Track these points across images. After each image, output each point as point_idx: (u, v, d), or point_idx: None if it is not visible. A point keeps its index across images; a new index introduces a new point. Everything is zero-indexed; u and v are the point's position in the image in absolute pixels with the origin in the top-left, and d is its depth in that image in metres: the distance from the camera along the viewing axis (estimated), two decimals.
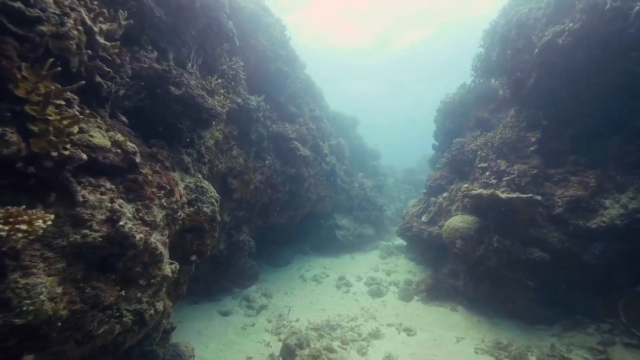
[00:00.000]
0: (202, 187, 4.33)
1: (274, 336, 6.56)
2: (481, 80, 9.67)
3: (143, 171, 3.10)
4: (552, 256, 5.84)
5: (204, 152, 4.82)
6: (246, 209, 8.40)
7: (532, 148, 6.35)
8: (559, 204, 5.77)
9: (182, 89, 3.86)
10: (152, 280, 3.04)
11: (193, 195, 4.13)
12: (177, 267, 3.46)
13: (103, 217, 2.50)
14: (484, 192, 5.77)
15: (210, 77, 4.40)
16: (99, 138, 2.55)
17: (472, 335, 6.38)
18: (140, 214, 2.94)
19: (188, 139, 4.65)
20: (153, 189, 3.23)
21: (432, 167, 12.45)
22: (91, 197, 2.50)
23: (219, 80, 4.48)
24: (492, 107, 9.42)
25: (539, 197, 5.51)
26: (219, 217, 4.46)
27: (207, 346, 6.17)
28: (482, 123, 9.29)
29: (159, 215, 3.21)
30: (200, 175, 4.56)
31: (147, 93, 3.98)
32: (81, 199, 2.40)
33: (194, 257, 4.26)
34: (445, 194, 8.51)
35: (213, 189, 4.53)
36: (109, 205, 2.56)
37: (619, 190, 5.70)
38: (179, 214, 3.55)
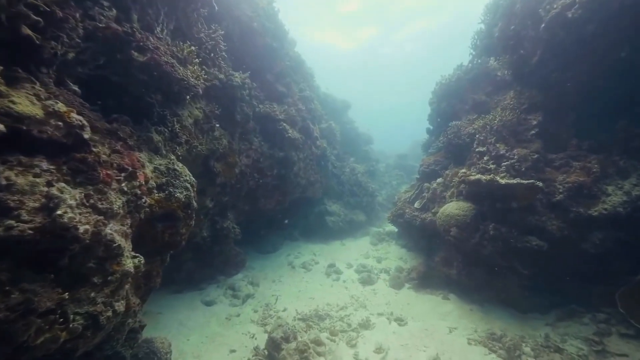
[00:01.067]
0: (175, 169, 3.84)
1: (259, 327, 6.25)
2: (479, 61, 9.22)
3: (95, 150, 2.60)
4: (549, 245, 5.60)
5: (178, 130, 4.30)
6: (231, 194, 7.93)
7: (533, 132, 6.02)
8: (560, 191, 5.49)
9: (147, 55, 3.31)
10: (109, 278, 2.60)
11: (164, 179, 3.65)
12: (142, 261, 3.02)
13: (36, 204, 2.03)
14: (483, 177, 5.43)
15: (182, 44, 3.83)
16: (26, 105, 2.04)
17: (464, 325, 6.19)
18: (91, 201, 2.47)
19: (159, 115, 4.12)
20: (110, 171, 2.74)
21: (426, 152, 12.10)
22: (20, 180, 2.01)
23: (193, 48, 3.92)
24: (489, 89, 9.02)
25: (540, 184, 5.21)
26: (195, 204, 4.00)
27: (189, 338, 5.82)
28: (479, 106, 8.91)
29: (117, 201, 2.74)
30: (173, 157, 4.06)
31: (107, 60, 3.41)
32: (4, 182, 1.92)
33: (166, 249, 3.81)
34: (439, 180, 8.19)
35: (188, 172, 4.05)
36: (45, 189, 2.08)
37: (622, 177, 5.44)
38: (143, 200, 3.08)
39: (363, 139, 18.63)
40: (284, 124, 8.67)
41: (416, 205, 8.89)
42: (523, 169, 5.58)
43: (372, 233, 12.86)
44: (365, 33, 44.23)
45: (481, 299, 6.96)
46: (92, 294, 2.52)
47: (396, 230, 11.59)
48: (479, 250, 6.40)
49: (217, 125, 6.77)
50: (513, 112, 6.27)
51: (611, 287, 5.32)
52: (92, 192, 2.51)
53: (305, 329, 6.07)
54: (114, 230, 2.64)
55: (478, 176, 5.57)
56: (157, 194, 3.51)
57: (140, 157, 3.38)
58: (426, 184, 8.68)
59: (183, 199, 3.77)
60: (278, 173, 9.22)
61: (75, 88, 3.06)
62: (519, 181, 5.15)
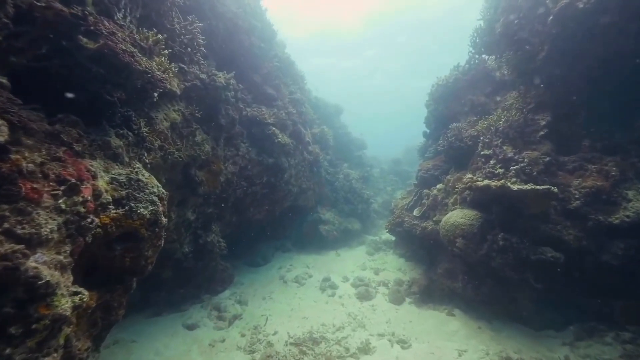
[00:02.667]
0: (139, 180, 3.22)
1: (247, 355, 5.57)
2: (476, 61, 8.83)
3: (14, 157, 1.97)
4: (566, 256, 5.10)
5: (146, 134, 3.68)
6: (216, 205, 7.29)
7: (541, 132, 5.56)
8: (576, 197, 5.02)
9: (100, 42, 2.71)
10: (33, 326, 1.96)
11: (123, 192, 3.02)
12: (84, 298, 2.38)
13: None
14: (492, 183, 4.92)
15: (147, 32, 3.24)
16: None
17: (474, 346, 5.61)
18: (5, 225, 1.84)
19: (123, 117, 3.50)
20: (39, 185, 2.12)
21: (422, 156, 11.64)
22: None
23: (160, 36, 3.33)
24: (488, 89, 8.63)
25: (555, 189, 4.72)
26: (164, 220, 3.37)
27: None
28: (478, 107, 8.49)
29: (49, 224, 2.11)
30: (139, 165, 3.43)
31: (51, 48, 2.80)
32: None
33: (129, 276, 3.17)
34: (439, 186, 7.68)
35: (156, 183, 3.42)
36: None
37: None
38: (90, 219, 2.45)
39: (356, 144, 18.16)
40: (274, 128, 8.09)
41: (415, 213, 8.36)
42: (534, 173, 5.10)
43: (368, 242, 12.28)
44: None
45: (489, 315, 6.41)
46: (8, 351, 1.87)
47: (393, 238, 11.04)
48: (487, 262, 5.87)
49: (199, 129, 6.17)
50: (519, 112, 5.81)
51: (636, 302, 4.82)
52: (7, 214, 1.88)
53: (298, 355, 5.43)
54: (41, 262, 2.00)
55: (487, 182, 5.07)
56: (113, 211, 2.88)
57: (90, 165, 2.76)
58: (425, 190, 8.16)
59: (148, 215, 3.14)
60: (268, 181, 8.60)
61: (4, 80, 2.44)
62: (532, 187, 4.65)
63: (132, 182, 3.15)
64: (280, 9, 28.19)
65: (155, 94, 3.43)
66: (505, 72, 8.03)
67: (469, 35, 7.55)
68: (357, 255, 11.30)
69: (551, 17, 5.17)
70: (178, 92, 5.39)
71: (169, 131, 5.13)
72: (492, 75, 8.62)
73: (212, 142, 6.79)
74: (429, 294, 7.43)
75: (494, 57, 7.64)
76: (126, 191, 3.05)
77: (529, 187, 4.65)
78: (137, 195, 3.13)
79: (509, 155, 5.39)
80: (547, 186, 4.66)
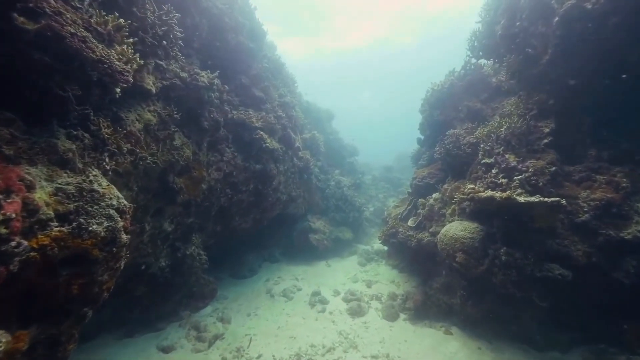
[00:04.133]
0: (94, 191, 2.70)
1: None
2: (472, 66, 8.57)
3: None
4: (574, 273, 4.74)
5: (107, 136, 3.16)
6: (197, 214, 6.75)
7: (545, 140, 5.24)
8: (585, 209, 4.68)
9: (41, 22, 2.22)
10: None
11: (71, 205, 2.50)
12: (6, 341, 1.85)
13: None
14: (497, 194, 4.55)
15: (105, 15, 2.74)
16: None
17: None
18: None
19: (79, 116, 2.98)
20: None
21: (416, 163, 11.31)
22: None
23: (122, 21, 2.84)
24: (485, 95, 8.35)
25: (564, 202, 4.37)
26: (124, 238, 2.84)
27: None
28: (474, 114, 8.19)
29: None
30: (96, 172, 2.91)
31: None
32: None
33: (78, 306, 2.63)
34: (436, 195, 7.30)
35: (117, 194, 2.90)
36: None
37: None
38: (14, 242, 1.93)
39: (348, 151, 17.76)
40: (261, 133, 7.61)
41: (410, 223, 7.95)
42: (540, 183, 4.75)
43: (359, 252, 11.81)
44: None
45: (489, 334, 6.00)
46: None
47: (386, 248, 10.63)
48: (488, 278, 5.47)
49: (178, 132, 5.66)
50: (521, 118, 5.49)
51: None
52: None
53: None
54: None
55: (490, 193, 4.69)
56: (56, 229, 2.36)
57: (26, 173, 2.24)
58: (421, 200, 7.77)
59: (103, 233, 2.62)
60: (255, 188, 8.09)
61: None
62: (541, 199, 4.29)
63: (85, 193, 2.63)
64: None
65: (117, 89, 2.92)
66: (503, 77, 7.77)
67: (462, 41, 7.31)
68: (348, 265, 10.82)
69: (556, 19, 4.88)
70: (153, 90, 4.89)
71: (142, 134, 4.62)
72: (488, 81, 8.36)
73: (193, 147, 6.28)
74: (425, 310, 6.99)
75: (491, 62, 7.38)
76: (75, 204, 2.53)
77: (537, 200, 4.28)
78: (90, 208, 2.60)
79: (512, 164, 5.04)
80: (556, 198, 4.31)
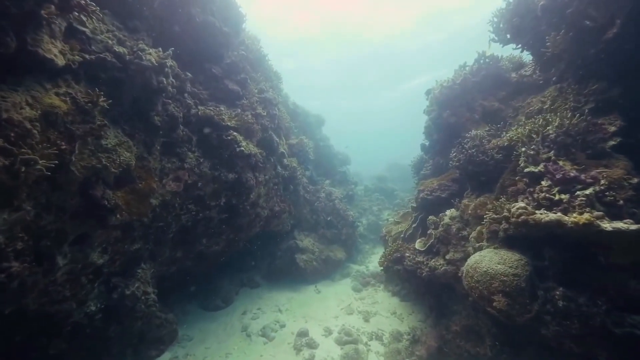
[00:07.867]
0: None
1: None
2: (487, 59, 7.31)
3: None
4: None
5: None
6: (146, 238, 5.14)
7: (612, 142, 3.93)
8: None
9: None
10: None
11: None
12: None
13: None
14: (569, 219, 3.14)
15: None
16: None
17: None
18: None
19: None
20: None
21: (417, 173, 9.94)
22: None
23: None
24: (502, 93, 7.08)
25: None
26: None
27: None
28: (492, 115, 6.91)
29: None
30: None
31: None
32: None
33: None
34: (451, 212, 5.90)
35: None
36: None
37: None
38: None
39: (339, 159, 16.36)
40: (235, 134, 6.10)
41: (418, 245, 6.51)
42: (620, 201, 3.39)
43: (353, 274, 10.29)
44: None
45: None
46: None
47: (381, 268, 9.11)
48: (534, 326, 4.04)
49: (110, 128, 4.10)
50: (577, 113, 4.17)
51: None
52: None
53: None
54: None
55: (555, 216, 3.28)
56: None
57: None
58: (431, 217, 6.35)
59: None
60: (227, 203, 6.52)
61: None
62: (638, 227, 2.92)
63: None
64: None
65: None
66: (529, 70, 6.54)
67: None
68: (341, 291, 9.26)
69: None
70: (61, 63, 3.35)
71: (36, 126, 3.04)
72: (507, 77, 7.13)
73: (139, 149, 4.72)
74: (441, 359, 5.49)
75: (515, 51, 6.11)
76: None
77: (635, 228, 2.91)
78: None
79: (572, 174, 3.67)
80: None
